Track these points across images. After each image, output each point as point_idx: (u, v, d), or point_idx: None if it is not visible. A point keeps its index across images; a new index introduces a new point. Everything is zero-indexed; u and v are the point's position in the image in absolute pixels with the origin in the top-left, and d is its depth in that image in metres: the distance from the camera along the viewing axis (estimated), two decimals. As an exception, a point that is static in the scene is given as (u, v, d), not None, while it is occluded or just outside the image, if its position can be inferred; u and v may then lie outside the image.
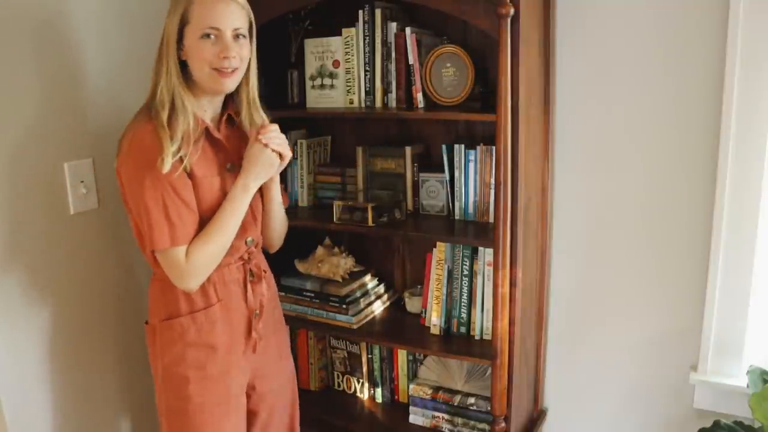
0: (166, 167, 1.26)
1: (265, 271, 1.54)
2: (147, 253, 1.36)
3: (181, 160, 1.29)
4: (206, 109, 1.40)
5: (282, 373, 1.61)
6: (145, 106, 1.35)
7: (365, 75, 1.79)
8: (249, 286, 1.47)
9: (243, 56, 1.35)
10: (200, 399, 1.39)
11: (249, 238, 1.46)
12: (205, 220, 1.35)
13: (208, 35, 1.30)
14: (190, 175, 1.33)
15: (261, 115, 1.45)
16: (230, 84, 1.35)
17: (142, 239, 1.36)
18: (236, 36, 1.33)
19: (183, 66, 1.33)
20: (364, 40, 1.77)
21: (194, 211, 1.33)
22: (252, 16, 1.38)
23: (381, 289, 2.04)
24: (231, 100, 1.44)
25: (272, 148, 1.38)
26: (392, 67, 1.76)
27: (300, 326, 2.02)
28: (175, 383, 1.39)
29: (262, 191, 1.47)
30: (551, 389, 2.00)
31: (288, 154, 1.42)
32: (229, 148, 1.42)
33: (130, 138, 1.30)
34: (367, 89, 1.80)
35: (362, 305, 1.93)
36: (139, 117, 1.33)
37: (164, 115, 1.28)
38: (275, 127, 1.41)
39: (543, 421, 1.96)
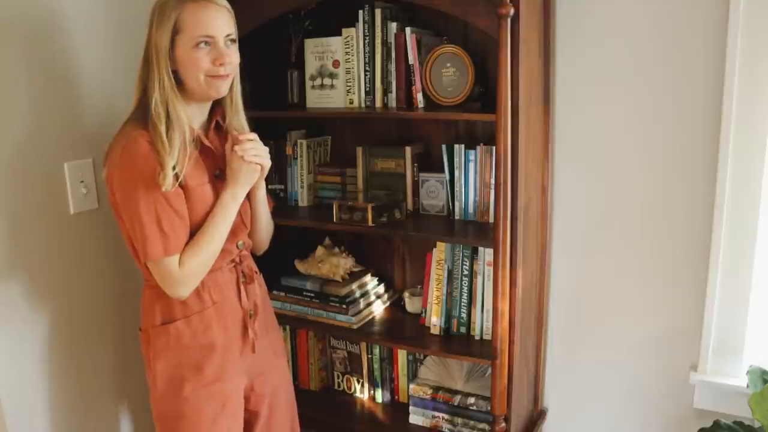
0: (168, 184, 1.27)
1: (256, 272, 1.55)
2: (140, 263, 1.36)
3: (176, 174, 1.29)
4: (195, 117, 1.40)
5: (278, 371, 1.61)
6: (132, 116, 1.34)
7: (365, 75, 1.79)
8: (242, 287, 1.48)
9: (234, 62, 1.36)
10: (196, 400, 1.39)
11: (240, 242, 1.47)
12: (197, 228, 1.36)
13: (203, 43, 1.30)
14: (183, 185, 1.33)
15: (241, 119, 1.44)
16: (224, 89, 1.37)
17: (134, 249, 1.35)
18: (228, 42, 1.34)
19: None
20: (364, 40, 1.77)
21: (186, 221, 1.33)
22: (235, 21, 1.39)
23: (381, 289, 2.04)
24: (217, 105, 1.44)
25: (249, 161, 1.38)
26: (392, 67, 1.76)
27: (300, 326, 2.02)
28: (172, 386, 1.39)
29: (249, 195, 1.48)
30: (551, 389, 2.00)
31: (266, 164, 1.42)
32: (218, 154, 1.42)
33: (122, 147, 1.29)
34: (367, 89, 1.80)
35: (362, 305, 1.93)
36: (129, 127, 1.32)
37: (163, 129, 1.28)
38: (251, 136, 1.40)
39: (543, 421, 1.96)
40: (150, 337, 1.40)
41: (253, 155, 1.38)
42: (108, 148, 1.34)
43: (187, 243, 1.34)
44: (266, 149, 1.43)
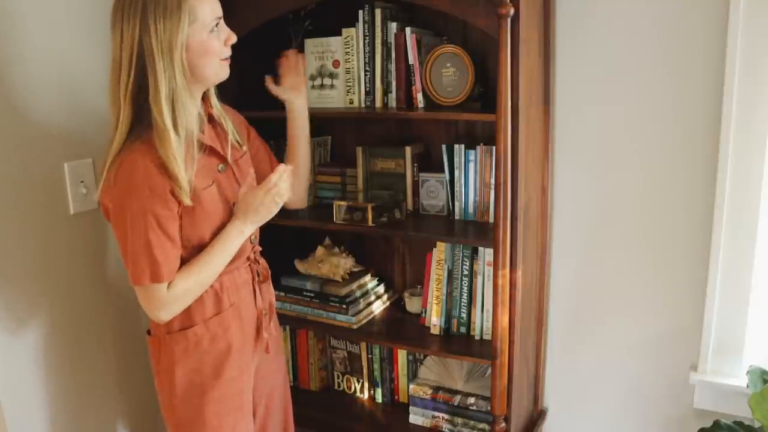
0: (188, 198, 1.23)
1: (268, 271, 1.53)
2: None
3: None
4: (199, 105, 1.34)
5: (277, 371, 1.61)
6: (131, 137, 1.23)
7: (365, 75, 1.79)
8: (257, 287, 1.46)
9: None
10: (217, 405, 1.37)
11: (252, 236, 1.44)
12: (207, 232, 1.31)
13: (214, 27, 1.26)
14: (192, 191, 1.27)
15: (218, 103, 1.39)
16: (228, 71, 1.34)
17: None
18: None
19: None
20: (364, 40, 1.77)
21: (177, 246, 1.27)
22: None
23: (381, 289, 2.04)
24: (206, 96, 1.37)
25: (272, 201, 1.33)
26: (392, 67, 1.76)
27: (300, 326, 2.02)
28: (192, 393, 1.36)
29: (289, 128, 1.55)
30: (551, 389, 2.00)
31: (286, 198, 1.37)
32: (217, 148, 1.36)
33: (117, 167, 1.21)
34: (367, 89, 1.80)
35: (362, 305, 1.93)
36: (128, 148, 1.22)
37: (174, 139, 1.20)
38: (280, 175, 1.33)
39: (543, 421, 1.96)
40: (163, 343, 1.36)
41: (284, 189, 1.33)
42: (107, 169, 1.24)
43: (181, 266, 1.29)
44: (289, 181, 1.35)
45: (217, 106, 1.40)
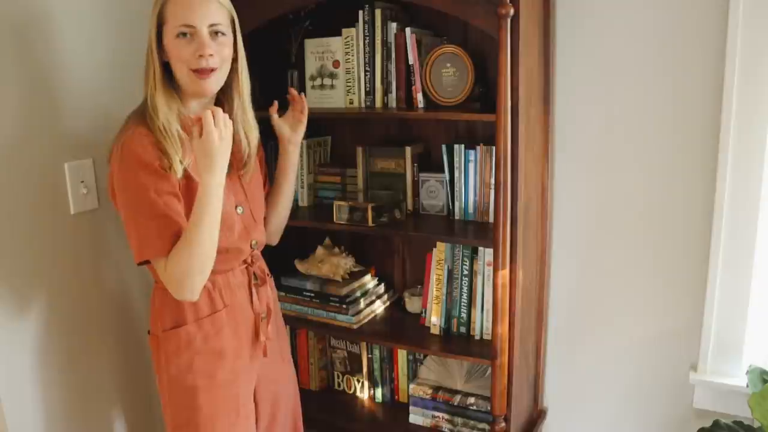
0: (179, 173, 1.25)
1: (268, 275, 1.53)
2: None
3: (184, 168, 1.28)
4: (197, 112, 1.35)
5: (283, 378, 1.59)
6: (137, 110, 1.32)
7: (365, 75, 1.79)
8: (254, 289, 1.45)
9: (223, 55, 1.30)
10: (210, 409, 1.36)
11: (253, 241, 1.45)
12: None
13: (183, 34, 1.25)
14: (187, 179, 1.30)
15: (248, 118, 1.41)
16: (210, 85, 1.30)
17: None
18: (214, 33, 1.27)
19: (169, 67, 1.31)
20: (364, 40, 1.77)
21: (174, 223, 1.25)
22: (233, 12, 1.33)
23: (381, 289, 2.04)
24: (225, 101, 1.40)
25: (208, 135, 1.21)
26: (392, 67, 1.76)
27: (300, 326, 2.02)
28: (184, 394, 1.35)
29: (280, 162, 1.55)
30: (551, 389, 2.00)
31: (224, 137, 1.23)
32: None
33: (122, 143, 1.26)
34: (367, 89, 1.80)
35: (362, 305, 1.93)
36: (130, 122, 1.30)
37: (160, 120, 1.25)
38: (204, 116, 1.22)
39: (543, 421, 1.96)
40: (160, 342, 1.36)
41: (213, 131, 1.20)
42: (112, 145, 1.32)
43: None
44: (224, 121, 1.23)
45: (241, 118, 1.39)
